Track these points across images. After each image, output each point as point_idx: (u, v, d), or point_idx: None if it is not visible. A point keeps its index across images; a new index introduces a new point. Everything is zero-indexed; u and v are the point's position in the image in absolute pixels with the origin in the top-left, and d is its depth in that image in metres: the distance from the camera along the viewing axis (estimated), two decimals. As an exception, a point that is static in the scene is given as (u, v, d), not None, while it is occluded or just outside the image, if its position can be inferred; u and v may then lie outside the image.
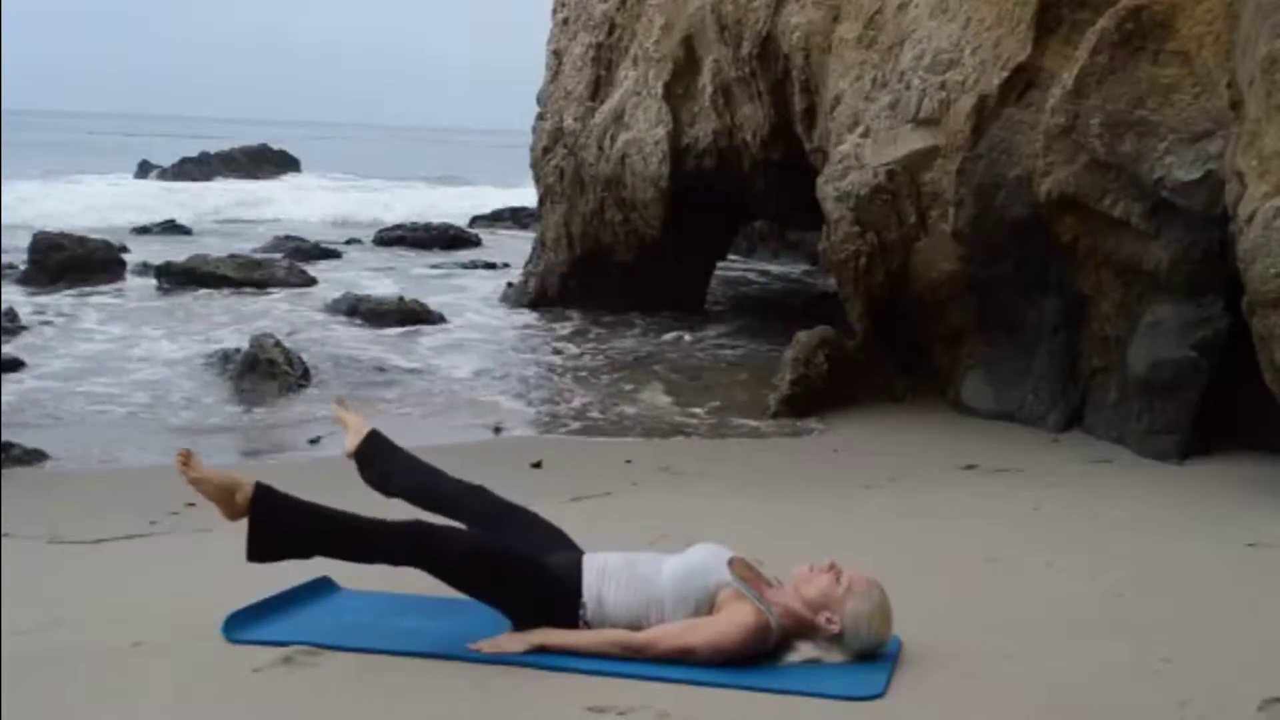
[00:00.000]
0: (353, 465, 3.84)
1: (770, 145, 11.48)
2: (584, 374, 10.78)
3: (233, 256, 16.03)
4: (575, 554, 3.40)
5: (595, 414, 8.79)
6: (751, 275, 17.98)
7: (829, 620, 3.15)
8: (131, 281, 15.33)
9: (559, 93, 14.14)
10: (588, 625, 3.24)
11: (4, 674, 2.99)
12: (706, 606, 3.18)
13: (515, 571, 3.29)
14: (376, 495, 3.81)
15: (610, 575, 3.29)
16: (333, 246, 19.65)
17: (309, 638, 3.29)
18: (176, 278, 14.86)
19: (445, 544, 3.28)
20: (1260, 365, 6.04)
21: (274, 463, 7.24)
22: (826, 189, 8.85)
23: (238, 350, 9.97)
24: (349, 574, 3.85)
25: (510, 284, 15.46)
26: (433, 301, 13.52)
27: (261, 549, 3.26)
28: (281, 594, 3.58)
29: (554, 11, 14.79)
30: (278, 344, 9.68)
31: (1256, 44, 6.02)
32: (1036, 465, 6.71)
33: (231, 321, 12.61)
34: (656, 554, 3.40)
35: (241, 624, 3.36)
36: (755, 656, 3.12)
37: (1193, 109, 6.77)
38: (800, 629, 3.18)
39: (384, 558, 3.32)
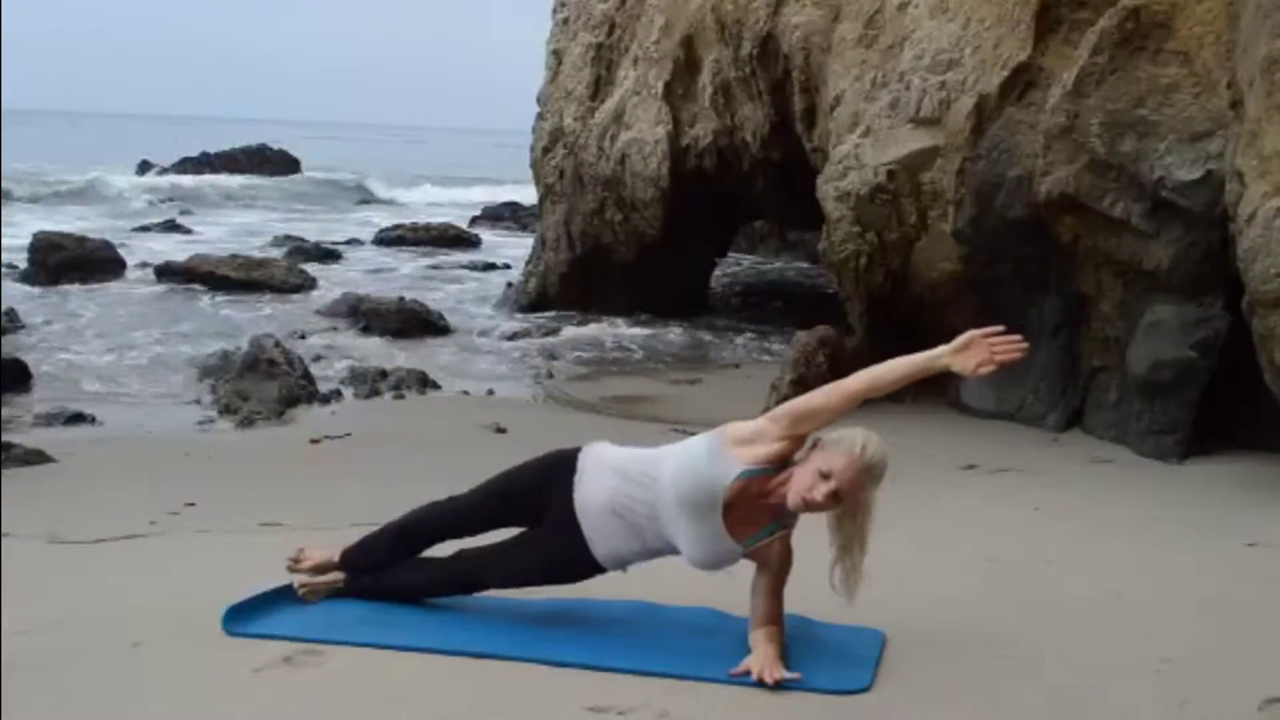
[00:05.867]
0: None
1: (770, 145, 11.49)
2: (584, 373, 10.79)
3: (233, 256, 16.05)
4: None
5: (596, 413, 8.79)
6: (752, 275, 17.99)
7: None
8: (132, 281, 15.35)
9: (559, 93, 14.15)
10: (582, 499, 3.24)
11: (4, 674, 2.99)
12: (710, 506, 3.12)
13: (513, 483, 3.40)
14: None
15: (606, 459, 3.29)
16: (333, 247, 19.68)
17: (308, 632, 3.28)
18: (176, 277, 14.88)
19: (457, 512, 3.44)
20: (1260, 365, 6.04)
21: (273, 461, 7.24)
22: (826, 189, 8.85)
23: (238, 350, 9.97)
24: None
25: (510, 284, 15.48)
26: (432, 302, 13.53)
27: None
28: (282, 587, 3.57)
29: (554, 11, 14.79)
30: (278, 344, 9.68)
31: (1256, 44, 6.02)
32: (1036, 465, 6.71)
33: (231, 322, 12.62)
34: (654, 453, 3.32)
35: (241, 617, 3.36)
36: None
37: (1193, 109, 6.76)
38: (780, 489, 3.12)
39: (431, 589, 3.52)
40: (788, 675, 3.01)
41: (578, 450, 3.37)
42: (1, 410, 8.07)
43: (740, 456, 3.11)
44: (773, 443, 3.12)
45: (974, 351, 3.10)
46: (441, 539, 3.54)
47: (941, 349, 3.13)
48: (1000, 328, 3.13)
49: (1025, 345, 3.12)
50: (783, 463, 3.13)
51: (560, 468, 3.34)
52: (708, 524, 3.13)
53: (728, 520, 3.13)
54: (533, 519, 3.38)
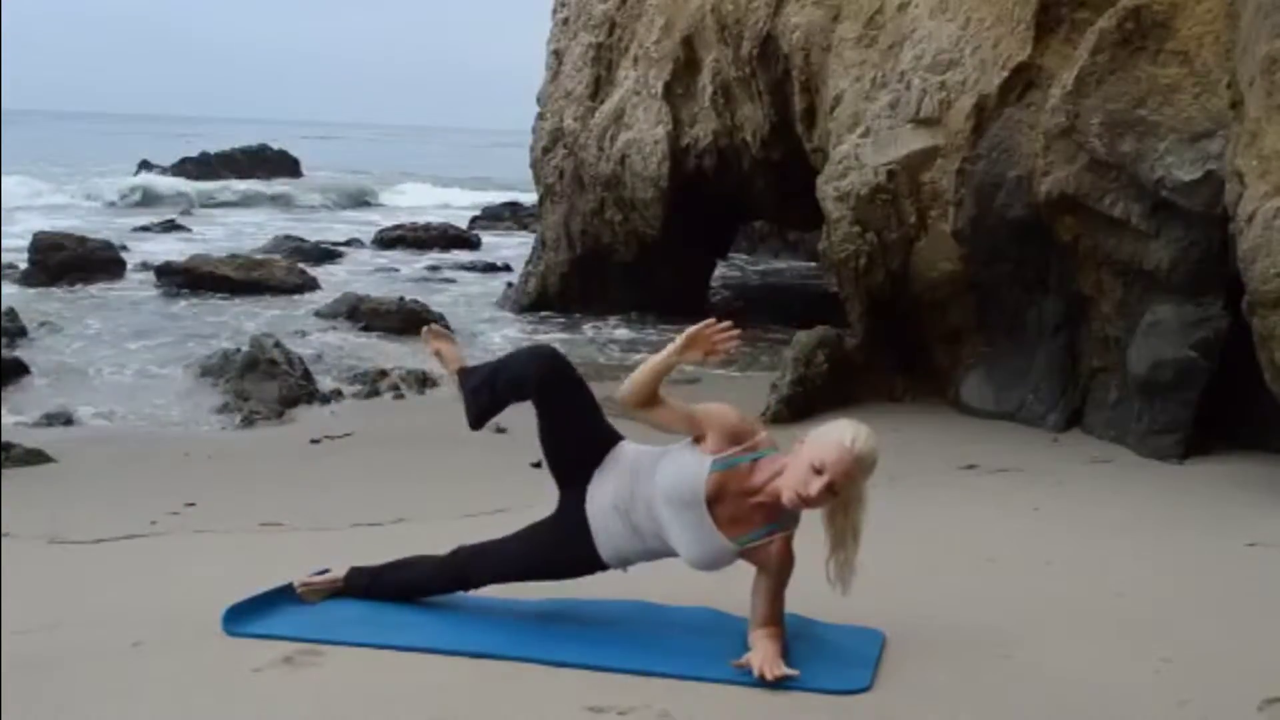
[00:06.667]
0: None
1: (770, 145, 11.49)
2: (584, 373, 10.76)
3: (233, 256, 16.04)
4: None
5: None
6: (751, 275, 17.99)
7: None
8: (131, 281, 15.34)
9: (559, 93, 14.14)
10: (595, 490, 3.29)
11: (4, 674, 2.99)
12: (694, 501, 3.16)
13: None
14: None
15: (622, 458, 3.32)
16: (333, 247, 19.67)
17: (308, 632, 3.28)
18: (176, 278, 14.87)
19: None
20: (1260, 365, 6.03)
21: (273, 461, 7.24)
22: (826, 189, 8.85)
23: (238, 350, 9.97)
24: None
25: (510, 284, 15.47)
26: (433, 302, 13.52)
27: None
28: (281, 587, 3.57)
29: (554, 11, 14.79)
30: (278, 344, 9.68)
31: (1256, 44, 6.02)
32: (1036, 465, 6.70)
33: (231, 322, 12.62)
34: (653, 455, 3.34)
35: (241, 617, 3.36)
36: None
37: (1193, 109, 6.76)
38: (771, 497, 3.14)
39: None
40: (787, 672, 3.02)
41: (618, 439, 3.37)
42: (1, 410, 8.07)
43: (705, 450, 3.18)
44: (706, 438, 3.19)
45: (698, 346, 3.19)
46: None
47: (670, 348, 3.19)
48: (712, 320, 3.23)
49: (737, 331, 3.21)
50: (736, 443, 3.15)
51: (605, 436, 3.38)
52: (696, 521, 3.15)
53: (717, 517, 3.15)
54: (570, 429, 3.43)
